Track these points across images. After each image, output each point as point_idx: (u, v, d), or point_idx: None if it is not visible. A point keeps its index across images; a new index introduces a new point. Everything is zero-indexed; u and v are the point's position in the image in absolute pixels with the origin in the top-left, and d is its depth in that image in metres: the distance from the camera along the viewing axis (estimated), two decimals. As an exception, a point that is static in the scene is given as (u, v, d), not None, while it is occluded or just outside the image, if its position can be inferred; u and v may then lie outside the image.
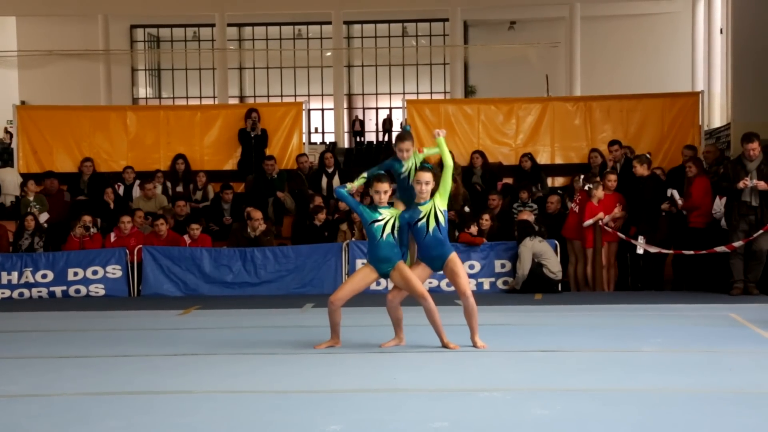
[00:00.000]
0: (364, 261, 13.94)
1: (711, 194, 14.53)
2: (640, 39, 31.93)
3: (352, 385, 7.14)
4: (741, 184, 13.49)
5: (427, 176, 8.68)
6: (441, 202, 8.70)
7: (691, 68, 28.35)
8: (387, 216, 8.75)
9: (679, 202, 14.53)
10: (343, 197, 8.86)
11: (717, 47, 25.88)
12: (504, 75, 32.25)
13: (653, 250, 14.51)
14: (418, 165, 8.99)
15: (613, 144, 16.77)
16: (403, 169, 9.06)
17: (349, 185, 8.96)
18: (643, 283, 14.95)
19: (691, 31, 28.52)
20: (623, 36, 32.17)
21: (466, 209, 16.02)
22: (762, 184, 13.47)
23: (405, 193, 9.09)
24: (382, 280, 14.66)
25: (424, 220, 8.68)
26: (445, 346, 8.74)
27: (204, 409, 6.26)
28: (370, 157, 25.35)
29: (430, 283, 14.63)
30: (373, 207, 8.78)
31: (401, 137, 9.16)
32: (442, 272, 8.91)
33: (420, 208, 8.71)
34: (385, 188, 8.75)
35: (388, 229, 8.72)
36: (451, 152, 8.85)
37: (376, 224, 8.73)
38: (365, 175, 9.10)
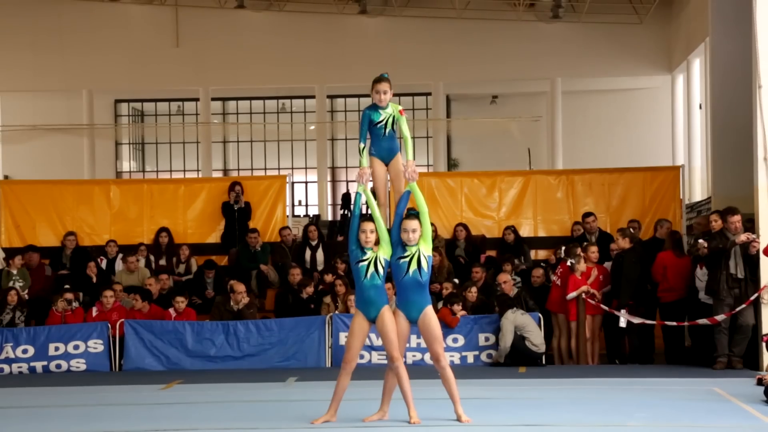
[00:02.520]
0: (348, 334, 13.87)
1: (675, 269, 14.62)
2: (621, 113, 32.23)
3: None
4: (744, 237, 13.43)
5: (414, 224, 8.73)
6: (425, 248, 8.75)
7: (671, 142, 28.62)
8: (370, 257, 8.77)
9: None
10: (354, 218, 8.82)
11: (696, 122, 26.17)
12: (486, 148, 32.48)
13: (637, 321, 14.52)
14: (397, 116, 8.91)
15: (588, 216, 16.95)
16: (380, 118, 8.94)
17: (360, 186, 8.91)
18: (625, 356, 14.94)
19: (670, 106, 28.84)
20: (604, 110, 32.47)
21: (456, 281, 16.03)
22: (758, 240, 13.41)
23: (380, 144, 9.00)
24: (365, 353, 14.63)
25: (407, 260, 8.72)
26: (409, 418, 8.68)
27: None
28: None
29: (413, 356, 14.59)
30: (360, 247, 8.80)
31: (378, 79, 8.96)
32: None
33: (407, 248, 8.75)
34: (371, 227, 8.77)
35: (371, 269, 8.73)
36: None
37: (360, 264, 8.77)
38: (361, 148, 8.99)
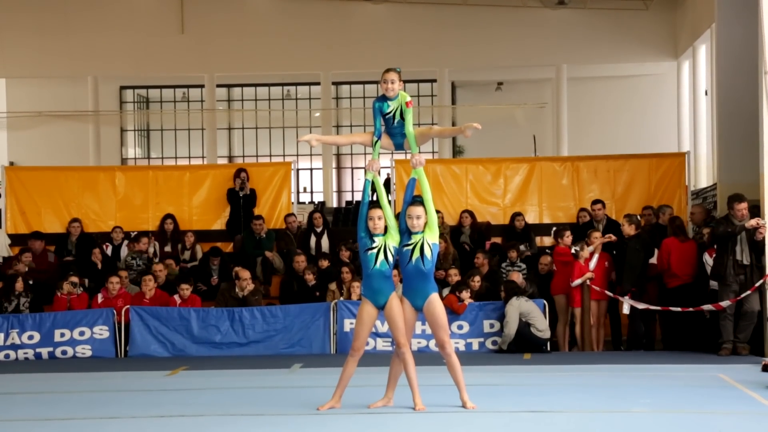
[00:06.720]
0: (353, 321, 13.92)
1: (679, 254, 14.60)
2: (627, 100, 32.16)
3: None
4: (754, 222, 13.40)
5: (418, 210, 8.73)
6: (430, 235, 8.74)
7: (677, 129, 28.52)
8: (379, 244, 8.77)
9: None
10: (362, 205, 8.86)
11: (702, 108, 26.07)
12: (491, 135, 32.31)
13: (641, 306, 14.52)
14: (404, 108, 8.97)
15: (596, 203, 16.93)
16: (389, 109, 9.04)
17: (370, 174, 8.93)
18: (629, 342, 14.96)
19: (676, 92, 28.73)
20: (609, 97, 32.40)
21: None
22: (765, 226, 13.37)
23: (393, 133, 9.10)
24: (371, 341, 14.65)
25: (411, 247, 8.72)
26: (414, 405, 8.71)
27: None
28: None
29: (419, 343, 14.61)
30: (369, 234, 8.80)
31: (387, 69, 9.11)
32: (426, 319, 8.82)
33: (412, 235, 8.75)
34: (378, 214, 8.78)
35: (380, 257, 8.74)
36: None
37: (369, 252, 8.77)
38: (374, 141, 9.05)
